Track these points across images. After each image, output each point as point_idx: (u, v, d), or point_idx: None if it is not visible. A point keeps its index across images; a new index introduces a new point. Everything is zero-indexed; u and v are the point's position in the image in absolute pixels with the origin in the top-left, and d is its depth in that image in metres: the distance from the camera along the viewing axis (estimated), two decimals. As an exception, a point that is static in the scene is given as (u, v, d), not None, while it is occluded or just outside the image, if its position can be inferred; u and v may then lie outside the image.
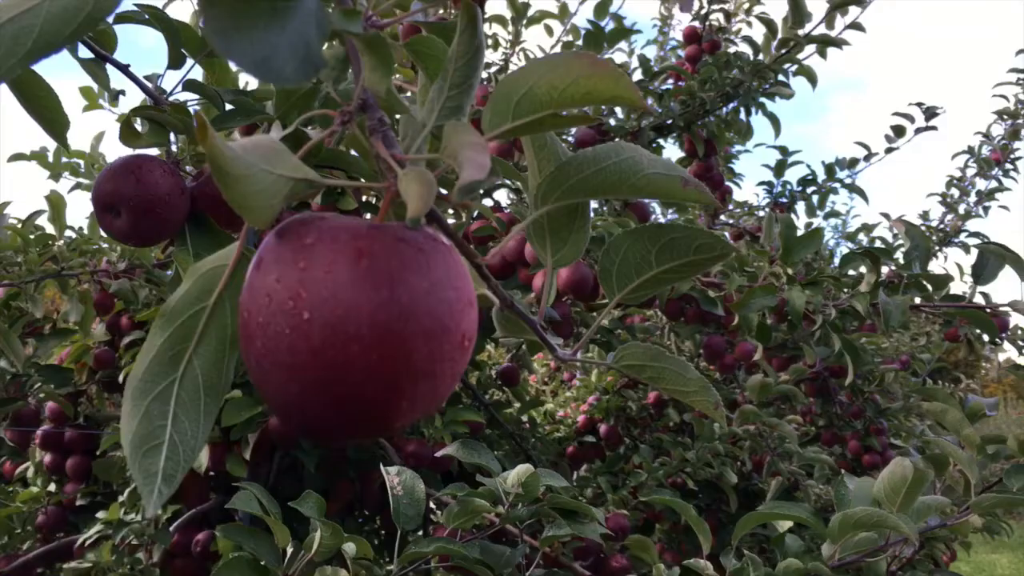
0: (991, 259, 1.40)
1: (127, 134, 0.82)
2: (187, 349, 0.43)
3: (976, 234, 3.35)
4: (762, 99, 2.39)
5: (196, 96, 0.91)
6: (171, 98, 0.89)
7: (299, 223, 0.39)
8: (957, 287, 1.66)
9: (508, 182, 2.38)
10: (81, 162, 2.11)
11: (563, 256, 0.53)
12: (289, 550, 1.00)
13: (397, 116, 0.47)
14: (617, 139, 2.39)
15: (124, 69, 0.85)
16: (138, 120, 0.83)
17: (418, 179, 0.36)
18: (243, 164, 0.37)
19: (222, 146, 0.36)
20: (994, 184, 3.57)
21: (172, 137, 0.86)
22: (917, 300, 1.60)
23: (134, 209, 0.77)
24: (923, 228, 3.33)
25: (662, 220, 3.19)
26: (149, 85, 0.87)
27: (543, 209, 0.47)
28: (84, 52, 0.85)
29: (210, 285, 0.44)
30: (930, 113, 3.09)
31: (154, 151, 0.87)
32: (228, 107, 0.88)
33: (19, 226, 1.71)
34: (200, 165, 0.87)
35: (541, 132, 0.44)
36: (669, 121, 2.35)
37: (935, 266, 1.61)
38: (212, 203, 0.83)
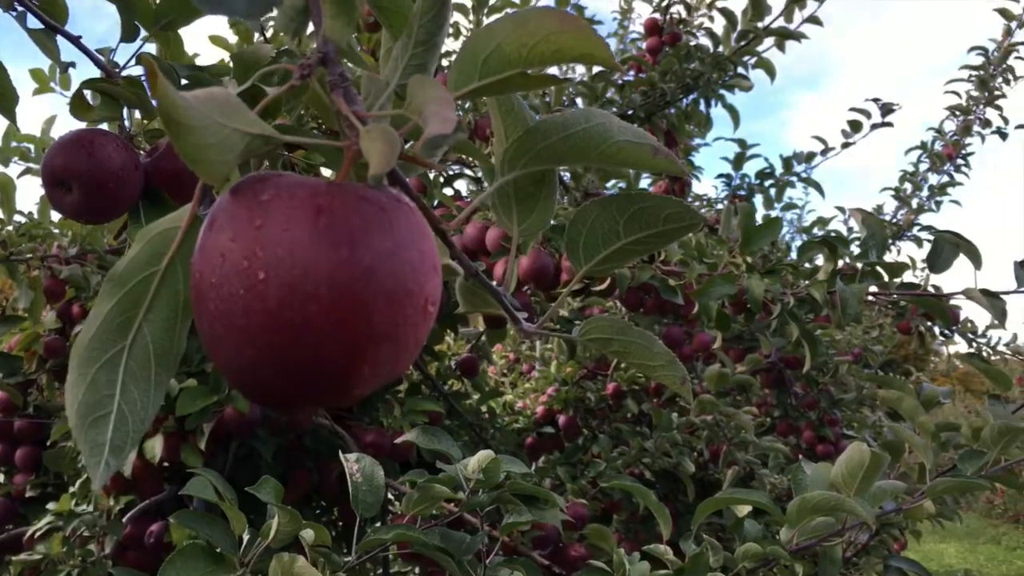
0: (945, 248, 1.41)
1: (79, 107, 0.80)
2: (137, 316, 0.40)
3: (928, 228, 3.40)
4: (722, 91, 2.40)
5: (151, 71, 0.89)
6: (124, 73, 0.87)
7: (255, 180, 0.37)
8: (909, 279, 1.68)
9: (470, 172, 2.37)
10: (31, 146, 2.06)
11: (530, 225, 0.51)
12: (246, 537, 0.98)
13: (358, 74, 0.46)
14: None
15: (76, 41, 0.82)
16: (90, 93, 0.81)
17: (381, 136, 0.34)
18: (197, 115, 0.35)
19: (174, 95, 0.34)
20: (946, 179, 3.64)
21: (125, 112, 0.84)
22: (873, 289, 1.62)
23: (86, 184, 0.75)
24: (877, 222, 3.38)
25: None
26: (102, 59, 0.84)
27: (509, 175, 0.46)
28: (33, 23, 0.82)
29: (161, 248, 0.41)
30: (886, 109, 3.13)
31: (105, 126, 0.85)
32: (183, 82, 0.86)
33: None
34: (154, 141, 0.85)
35: (508, 92, 0.42)
36: (630, 112, 2.36)
37: (888, 259, 1.64)
38: (167, 179, 0.81)
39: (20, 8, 0.81)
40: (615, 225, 0.48)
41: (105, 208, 0.77)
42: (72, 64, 0.82)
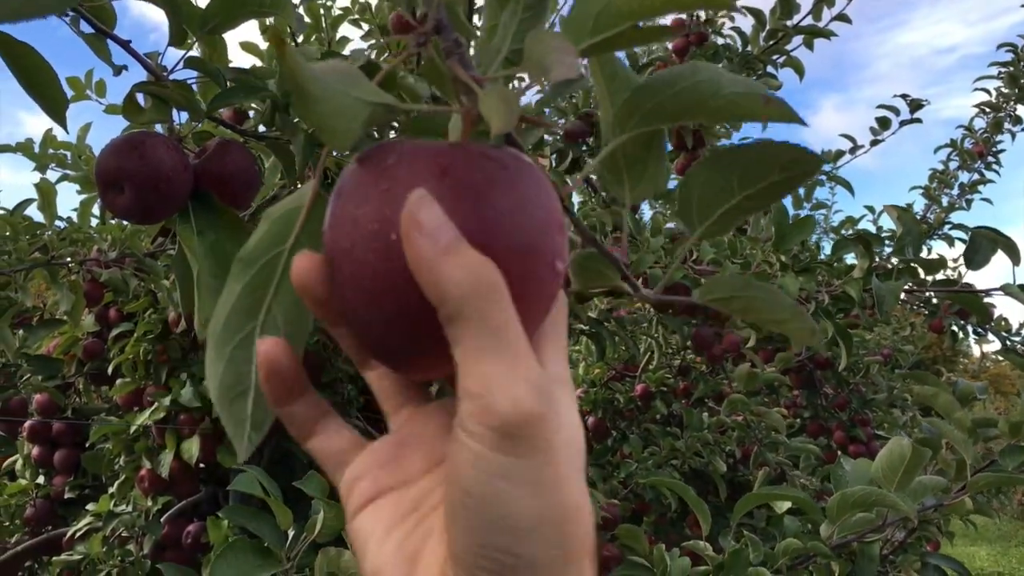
0: (983, 243, 1.41)
1: (130, 109, 0.81)
2: (266, 295, 0.42)
3: (960, 226, 3.37)
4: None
5: (197, 74, 0.91)
6: (171, 77, 0.88)
7: (378, 149, 0.37)
8: (941, 278, 1.67)
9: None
10: (68, 153, 2.09)
11: (642, 190, 0.51)
12: (290, 533, 0.99)
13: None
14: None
15: (125, 45, 0.84)
16: (141, 96, 0.83)
17: (500, 97, 0.35)
18: (322, 85, 0.36)
19: (302, 64, 0.35)
20: (976, 177, 3.61)
21: (174, 115, 0.86)
22: (907, 286, 1.61)
23: (138, 185, 0.76)
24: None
25: (648, 212, 3.20)
26: (151, 63, 0.86)
27: (619, 140, 0.46)
28: (85, 28, 0.84)
29: (286, 228, 0.42)
30: (915, 105, 3.11)
31: (156, 128, 0.86)
32: (229, 84, 0.88)
33: (8, 215, 1.69)
34: (202, 143, 0.86)
35: (622, 48, 0.42)
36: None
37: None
38: (215, 180, 0.83)
39: (72, 13, 0.83)
40: (729, 182, 0.46)
41: (156, 208, 0.79)
42: (125, 67, 0.84)
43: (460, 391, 0.34)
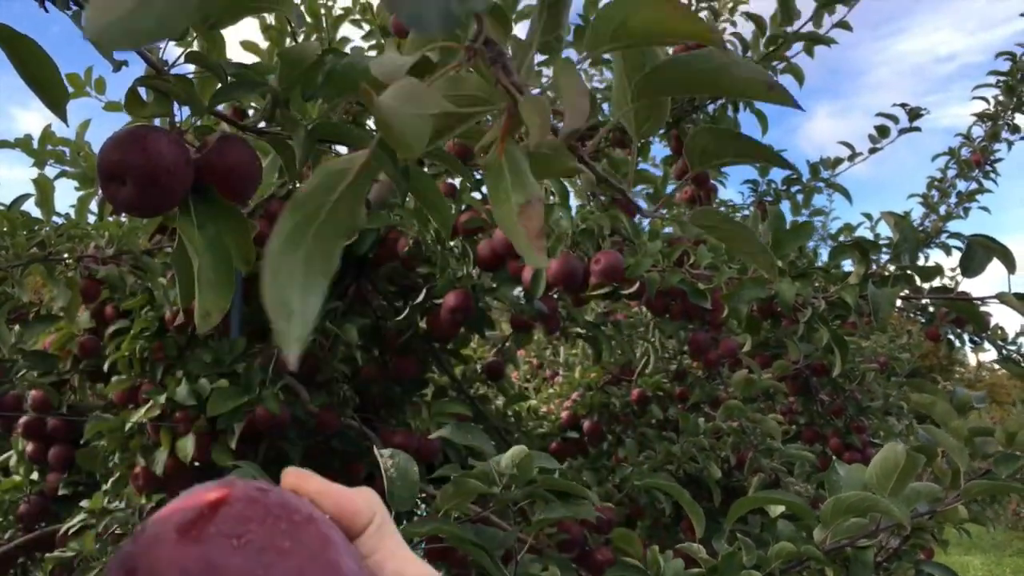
0: (979, 251, 1.41)
1: (133, 103, 0.81)
2: (308, 233, 0.47)
3: (957, 235, 3.38)
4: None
5: (197, 69, 0.91)
6: (172, 71, 0.88)
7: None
8: (938, 286, 1.68)
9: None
10: (66, 149, 2.09)
11: (648, 128, 0.60)
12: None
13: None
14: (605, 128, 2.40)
15: (127, 39, 0.84)
16: (144, 90, 0.83)
17: (537, 107, 0.42)
18: (401, 117, 0.44)
19: (386, 109, 0.43)
20: (974, 186, 3.62)
21: (176, 109, 0.86)
22: (904, 293, 1.62)
23: (140, 178, 0.76)
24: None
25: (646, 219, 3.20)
26: (151, 57, 0.86)
27: (633, 106, 0.55)
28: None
29: (334, 183, 0.48)
30: (914, 114, 3.12)
31: (156, 122, 0.86)
32: (230, 79, 0.88)
33: (6, 210, 1.69)
34: (203, 137, 0.87)
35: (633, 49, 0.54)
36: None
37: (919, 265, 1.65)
38: (216, 174, 0.83)
39: (75, 7, 0.83)
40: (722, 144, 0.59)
41: (158, 201, 0.79)
42: (125, 63, 0.84)
43: None
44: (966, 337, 2.28)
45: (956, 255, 1.61)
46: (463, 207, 2.02)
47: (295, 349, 0.43)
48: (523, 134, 0.47)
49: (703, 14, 2.62)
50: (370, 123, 1.65)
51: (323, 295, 0.46)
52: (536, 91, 0.48)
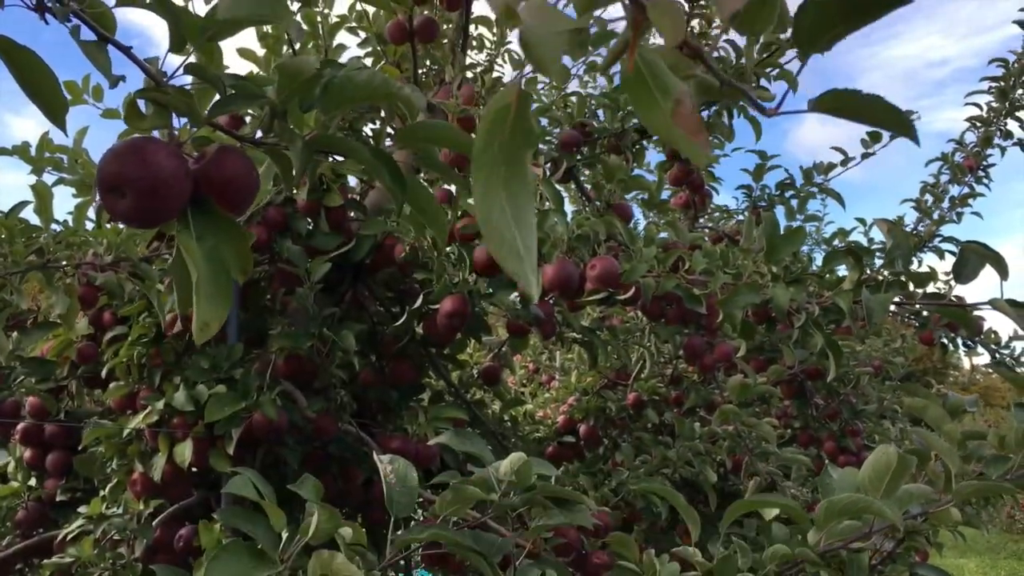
0: (972, 257, 1.42)
1: (132, 115, 0.82)
2: (499, 169, 0.50)
3: (951, 239, 3.40)
4: (743, 103, 2.42)
5: (195, 80, 0.92)
6: (171, 83, 0.89)
7: None
8: (931, 291, 1.69)
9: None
10: (64, 156, 2.10)
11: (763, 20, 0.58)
12: (284, 535, 1.00)
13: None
14: (600, 140, 2.41)
15: (127, 51, 0.85)
16: (143, 102, 0.84)
17: (668, 9, 0.41)
18: (543, 38, 0.45)
19: (532, 36, 0.45)
20: (967, 190, 3.64)
21: (175, 120, 0.87)
22: (897, 299, 1.63)
23: (139, 190, 0.77)
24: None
25: (642, 222, 3.22)
26: (151, 69, 0.87)
27: None
28: (86, 34, 0.85)
29: (501, 121, 0.50)
30: (906, 119, 3.13)
31: (155, 133, 0.87)
32: (229, 91, 0.89)
33: (4, 217, 1.70)
34: (202, 148, 0.87)
35: None
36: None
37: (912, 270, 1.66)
38: (215, 185, 0.83)
39: (74, 20, 0.84)
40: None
41: (156, 213, 0.80)
42: (123, 77, 0.84)
43: None
44: (959, 341, 2.30)
45: (950, 259, 1.62)
46: (459, 213, 2.03)
47: (535, 284, 0.47)
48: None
49: (695, 21, 2.64)
50: (367, 131, 1.66)
51: (534, 220, 0.50)
52: None
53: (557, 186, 2.00)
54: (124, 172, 0.77)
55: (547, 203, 1.94)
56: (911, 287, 1.58)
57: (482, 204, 0.49)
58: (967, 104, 3.63)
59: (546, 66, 0.46)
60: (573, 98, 2.42)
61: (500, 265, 0.48)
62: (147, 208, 0.79)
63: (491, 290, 1.91)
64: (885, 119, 0.56)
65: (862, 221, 3.41)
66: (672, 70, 0.51)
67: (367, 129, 1.85)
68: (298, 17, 2.10)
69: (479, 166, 0.51)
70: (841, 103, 0.55)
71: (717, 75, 0.53)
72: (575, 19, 0.47)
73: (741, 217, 3.24)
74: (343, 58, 2.16)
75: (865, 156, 3.27)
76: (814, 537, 1.16)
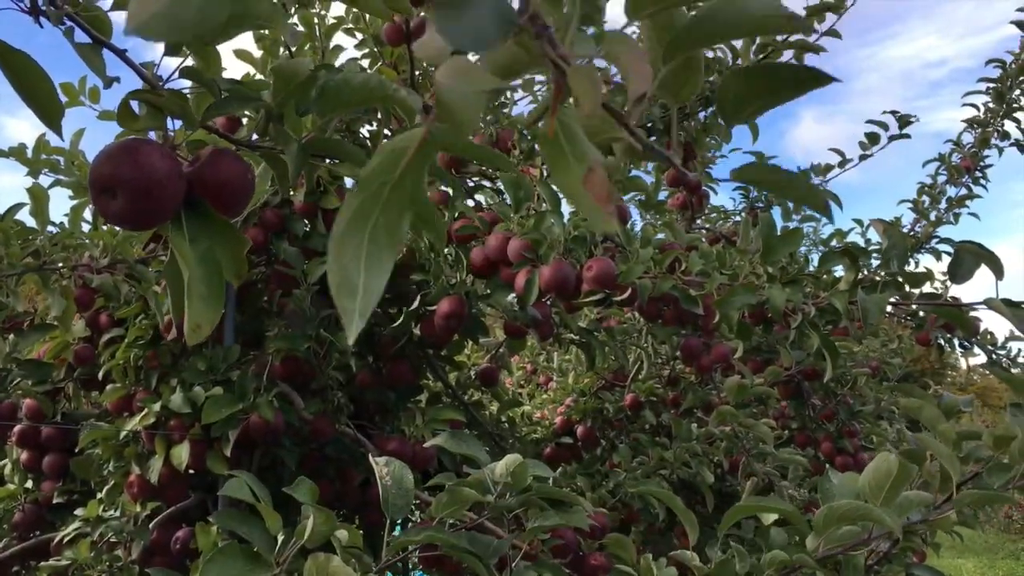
0: (967, 258, 1.42)
1: (125, 117, 0.82)
2: (374, 212, 0.48)
3: (947, 240, 3.40)
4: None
5: (191, 84, 0.91)
6: (166, 86, 0.89)
7: None
8: (928, 292, 1.69)
9: (488, 184, 2.39)
10: (60, 158, 2.09)
11: (687, 92, 0.59)
12: (280, 537, 1.00)
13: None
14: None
15: (121, 54, 0.85)
16: (136, 104, 0.83)
17: (587, 76, 0.41)
18: (459, 98, 0.45)
19: (443, 89, 0.45)
20: (964, 191, 3.64)
21: (169, 123, 0.86)
22: (893, 299, 1.63)
23: (132, 191, 0.76)
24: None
25: (639, 223, 3.22)
26: (146, 72, 0.87)
27: (670, 65, 0.55)
28: (80, 37, 0.85)
29: (394, 162, 0.49)
30: (904, 121, 3.14)
31: (150, 135, 0.87)
32: (224, 95, 0.89)
33: (0, 219, 1.70)
34: (196, 150, 0.87)
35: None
36: (649, 124, 2.37)
37: (908, 270, 1.66)
38: (208, 188, 0.83)
39: (69, 23, 0.84)
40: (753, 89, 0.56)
41: (149, 215, 0.79)
42: (117, 79, 0.84)
43: None
44: (956, 342, 2.30)
45: (946, 260, 1.62)
46: (456, 215, 2.03)
47: (359, 325, 0.45)
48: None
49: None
50: (364, 133, 1.66)
51: (388, 271, 0.48)
52: (581, 61, 0.48)
53: (553, 187, 2.00)
54: (117, 173, 0.77)
55: (544, 204, 1.94)
56: (907, 288, 1.58)
57: (339, 241, 0.48)
58: (964, 105, 3.63)
59: (462, 127, 0.46)
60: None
61: (332, 296, 0.47)
62: (140, 209, 0.78)
63: (488, 291, 1.90)
64: (802, 196, 0.60)
65: (859, 222, 3.41)
66: (595, 134, 0.53)
67: (364, 131, 1.85)
68: (295, 19, 2.10)
69: (358, 191, 0.50)
70: (761, 176, 0.60)
71: (640, 140, 0.55)
72: (493, 80, 0.48)
73: (738, 218, 3.25)
74: (340, 60, 2.15)
75: (863, 158, 3.27)
76: (813, 542, 1.16)
